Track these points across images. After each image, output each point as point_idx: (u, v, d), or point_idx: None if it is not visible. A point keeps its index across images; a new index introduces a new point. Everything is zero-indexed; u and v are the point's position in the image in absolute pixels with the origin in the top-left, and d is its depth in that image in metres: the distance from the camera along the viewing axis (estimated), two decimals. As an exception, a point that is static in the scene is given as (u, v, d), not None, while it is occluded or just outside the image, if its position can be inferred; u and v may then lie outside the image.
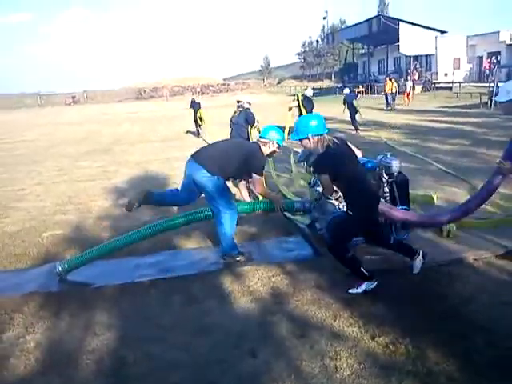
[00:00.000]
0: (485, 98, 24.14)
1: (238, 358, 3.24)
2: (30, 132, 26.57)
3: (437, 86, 36.80)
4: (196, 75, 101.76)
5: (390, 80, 27.85)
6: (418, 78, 38.04)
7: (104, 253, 4.93)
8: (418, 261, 4.27)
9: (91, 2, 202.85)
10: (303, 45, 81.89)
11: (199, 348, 3.42)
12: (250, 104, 9.64)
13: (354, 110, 17.08)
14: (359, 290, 4.04)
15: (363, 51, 58.74)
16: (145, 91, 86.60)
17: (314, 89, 56.63)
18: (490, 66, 36.52)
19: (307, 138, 4.04)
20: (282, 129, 5.99)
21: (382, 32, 40.63)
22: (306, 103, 13.33)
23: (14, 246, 6.11)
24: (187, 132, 20.57)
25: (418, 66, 39.04)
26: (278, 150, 5.09)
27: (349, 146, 4.29)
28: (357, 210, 4.02)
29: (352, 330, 3.50)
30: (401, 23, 38.18)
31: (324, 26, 75.60)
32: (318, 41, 78.81)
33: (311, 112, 13.11)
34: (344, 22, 73.29)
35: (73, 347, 3.56)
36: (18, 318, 4.07)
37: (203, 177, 4.73)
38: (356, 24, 46.93)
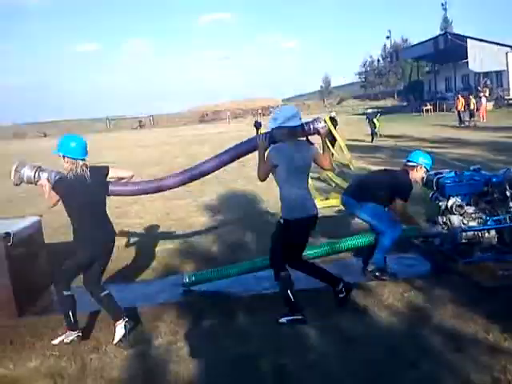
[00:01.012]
0: None
1: (400, 369, 3.24)
2: (107, 154, 27.80)
3: (509, 102, 35.56)
4: (255, 97, 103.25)
5: (463, 97, 27.17)
6: (489, 94, 36.84)
7: (233, 274, 5.10)
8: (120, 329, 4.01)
9: (152, 32, 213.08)
10: (364, 64, 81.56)
11: (356, 358, 3.44)
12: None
13: (373, 126, 21.93)
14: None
15: (427, 69, 57.70)
16: (207, 114, 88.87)
17: (377, 107, 56.31)
18: None
19: (60, 156, 4.01)
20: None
21: (448, 49, 39.79)
22: (332, 122, 14.93)
23: (133, 260, 6.40)
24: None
25: (488, 82, 37.91)
26: (425, 175, 5.22)
27: (96, 179, 4.08)
28: (80, 244, 4.04)
29: (510, 344, 3.41)
30: (468, 40, 37.28)
31: (385, 45, 75.04)
32: (379, 60, 78.31)
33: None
34: (406, 40, 72.52)
35: (225, 355, 3.68)
36: (162, 327, 4.25)
37: (357, 208, 5.07)
38: (421, 42, 46.17)
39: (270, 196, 10.09)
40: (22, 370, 3.65)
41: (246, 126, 41.64)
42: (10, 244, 4.70)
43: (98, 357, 3.80)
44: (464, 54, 38.84)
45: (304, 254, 5.17)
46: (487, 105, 33.42)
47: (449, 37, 39.12)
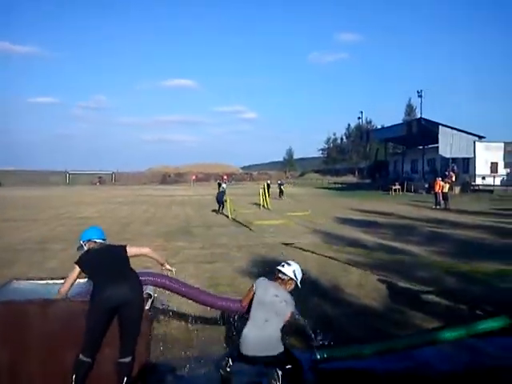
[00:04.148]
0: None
1: None
2: (84, 209, 26.82)
3: (475, 188, 37.42)
4: (216, 162, 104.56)
5: (442, 180, 28.33)
6: (456, 179, 38.66)
7: (368, 353, 4.77)
8: None
9: (112, 91, 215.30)
10: (327, 141, 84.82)
11: None
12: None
13: (281, 190, 35.83)
14: None
15: (391, 150, 60.61)
16: (170, 176, 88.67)
17: (335, 183, 58.69)
18: (528, 172, 37.52)
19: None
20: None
21: (420, 134, 42.07)
22: (267, 188, 29.72)
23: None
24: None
25: (455, 168, 39.92)
26: None
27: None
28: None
29: None
30: (440, 126, 39.57)
31: (349, 125, 78.79)
32: (342, 138, 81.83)
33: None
34: (370, 122, 76.58)
35: None
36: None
37: None
38: (394, 125, 48.87)
39: (305, 265, 9.87)
40: None
41: (211, 190, 41.61)
42: (148, 308, 4.25)
43: None
44: (433, 139, 41.07)
45: (441, 336, 4.91)
46: (454, 189, 35.07)
47: (422, 122, 41.39)
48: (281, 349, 4.30)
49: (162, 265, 4.75)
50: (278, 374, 4.18)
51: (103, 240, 4.47)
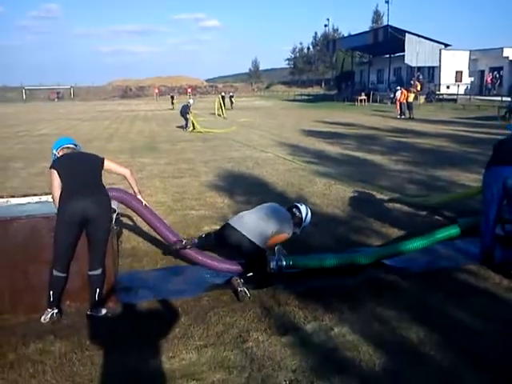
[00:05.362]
0: (502, 112, 24.80)
1: None
2: (43, 126, 25.97)
3: (439, 97, 37.59)
4: (179, 75, 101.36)
5: (406, 89, 28.26)
6: (421, 88, 38.71)
7: (335, 263, 4.94)
8: None
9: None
10: (293, 51, 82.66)
11: None
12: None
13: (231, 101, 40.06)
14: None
15: (357, 60, 59.67)
16: (131, 89, 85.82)
17: (302, 95, 58.57)
18: (492, 80, 37.66)
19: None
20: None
21: (386, 42, 41.24)
22: (222, 99, 32.86)
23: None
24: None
25: (420, 77, 39.78)
26: None
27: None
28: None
29: None
30: (407, 34, 38.85)
31: (316, 33, 76.54)
32: (309, 47, 79.74)
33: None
34: (337, 30, 74.54)
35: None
36: (295, 311, 4.04)
37: None
38: (360, 33, 47.65)
39: (272, 177, 9.97)
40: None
41: (175, 104, 40.70)
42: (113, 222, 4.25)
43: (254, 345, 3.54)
44: (400, 48, 40.44)
45: (404, 248, 5.11)
46: (419, 98, 35.17)
47: (389, 30, 40.39)
48: (261, 245, 4.55)
49: (135, 194, 4.65)
50: (240, 280, 4.39)
51: (75, 145, 4.31)
